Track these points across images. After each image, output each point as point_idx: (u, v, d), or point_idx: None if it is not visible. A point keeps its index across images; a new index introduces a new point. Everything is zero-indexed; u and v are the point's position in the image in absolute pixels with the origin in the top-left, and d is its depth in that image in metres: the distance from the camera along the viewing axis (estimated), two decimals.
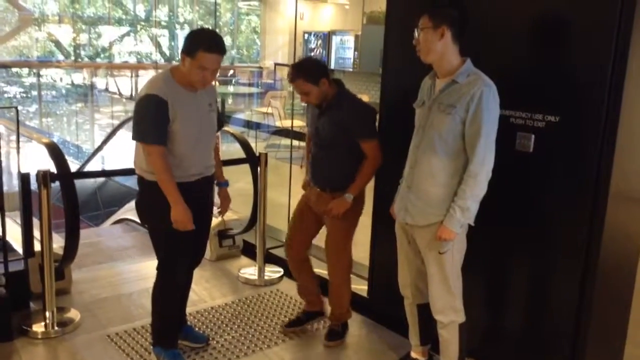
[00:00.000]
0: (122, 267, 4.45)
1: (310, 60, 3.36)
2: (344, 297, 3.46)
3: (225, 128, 4.92)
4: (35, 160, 3.43)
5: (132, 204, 5.90)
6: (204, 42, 2.72)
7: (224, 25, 20.15)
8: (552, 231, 2.87)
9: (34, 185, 3.27)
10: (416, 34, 2.66)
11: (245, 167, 4.45)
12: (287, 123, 7.99)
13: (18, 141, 3.43)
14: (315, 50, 17.79)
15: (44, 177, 3.23)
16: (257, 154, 4.15)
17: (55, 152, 3.41)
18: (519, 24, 2.86)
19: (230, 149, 5.23)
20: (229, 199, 3.32)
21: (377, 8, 12.97)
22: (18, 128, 3.41)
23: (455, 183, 2.63)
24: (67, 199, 3.32)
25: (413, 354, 3.15)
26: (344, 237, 3.35)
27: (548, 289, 2.95)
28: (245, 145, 4.22)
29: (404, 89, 3.34)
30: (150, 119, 2.73)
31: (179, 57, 2.78)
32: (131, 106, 13.46)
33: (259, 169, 4.18)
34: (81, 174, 3.85)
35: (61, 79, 14.86)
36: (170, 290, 3.03)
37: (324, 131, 3.21)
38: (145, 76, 14.48)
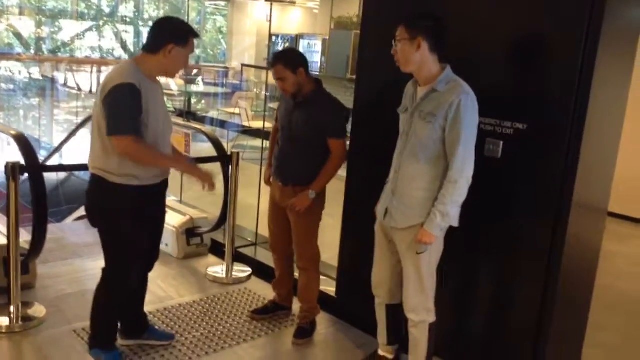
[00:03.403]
0: (86, 263, 4.39)
1: (292, 49, 3.47)
2: (312, 291, 3.52)
3: (197, 126, 4.92)
4: None
5: None
6: (191, 29, 2.78)
7: (190, 23, 19.97)
8: (517, 235, 2.98)
9: None
10: (394, 44, 2.72)
11: (215, 166, 4.45)
12: (254, 124, 7.99)
13: None
14: None
15: (13, 169, 3.18)
16: (229, 153, 4.16)
17: (24, 144, 3.36)
18: (491, 36, 2.96)
19: (197, 148, 5.20)
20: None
21: (345, 13, 13.09)
22: None
23: (436, 188, 2.70)
24: (35, 191, 3.27)
25: (381, 352, 3.22)
26: (308, 232, 3.42)
27: (512, 292, 3.05)
28: (216, 144, 4.23)
29: (377, 94, 3.44)
30: (128, 109, 2.65)
31: (154, 50, 2.74)
32: (90, 102, 13.29)
33: (229, 168, 4.18)
34: (51, 167, 3.79)
35: (19, 72, 14.49)
36: (119, 293, 2.99)
37: (297, 125, 3.28)
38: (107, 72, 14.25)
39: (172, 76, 2.85)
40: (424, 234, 2.69)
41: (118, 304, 3.02)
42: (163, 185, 2.99)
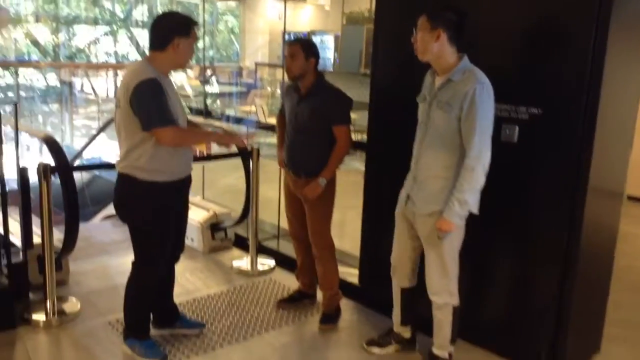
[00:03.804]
0: (115, 260, 4.53)
1: (311, 41, 3.54)
2: (332, 278, 3.62)
3: (217, 123, 5.04)
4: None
5: None
6: (191, 19, 2.90)
7: (203, 24, 20.14)
8: (535, 219, 3.05)
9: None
10: (414, 33, 2.81)
11: (233, 164, 4.57)
12: (271, 120, 8.11)
13: (17, 136, 3.50)
14: None
15: (45, 170, 3.31)
16: (250, 149, 4.26)
17: (53, 145, 3.49)
18: (507, 24, 3.03)
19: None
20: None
21: (357, 9, 13.13)
22: (17, 123, 3.48)
23: (453, 176, 2.77)
24: (66, 190, 3.40)
25: (396, 329, 3.33)
26: (322, 219, 3.52)
27: (531, 274, 3.12)
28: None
29: (392, 86, 3.52)
30: (158, 101, 2.76)
31: (162, 47, 2.84)
32: (107, 106, 13.47)
33: (251, 162, 4.28)
34: (79, 167, 3.92)
35: (37, 80, 14.75)
36: (149, 285, 3.12)
37: (303, 117, 3.39)
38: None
39: (183, 67, 2.97)
40: (443, 222, 2.76)
41: (149, 294, 3.14)
42: (187, 181, 3.11)
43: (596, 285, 3.23)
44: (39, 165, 3.30)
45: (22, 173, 3.42)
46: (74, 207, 3.43)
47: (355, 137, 3.72)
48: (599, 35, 2.72)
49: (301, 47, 3.35)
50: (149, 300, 3.16)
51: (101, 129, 5.64)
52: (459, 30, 2.74)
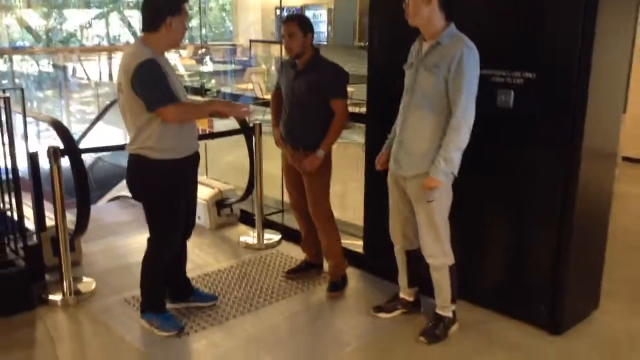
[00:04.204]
0: (125, 240, 4.64)
1: (306, 16, 3.59)
2: (335, 247, 3.74)
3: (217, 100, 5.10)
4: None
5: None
6: None
7: (193, 4, 20.01)
8: (532, 181, 3.15)
9: None
10: None
11: (235, 141, 4.64)
12: (269, 97, 8.17)
13: (25, 122, 3.57)
14: None
15: (55, 153, 3.39)
16: (251, 125, 4.34)
17: (61, 129, 3.58)
18: None
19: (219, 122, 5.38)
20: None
21: None
22: (24, 109, 3.55)
23: (439, 137, 2.89)
24: (76, 172, 3.49)
25: (401, 295, 3.45)
26: (321, 191, 3.63)
27: (529, 235, 3.24)
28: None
29: (389, 58, 3.58)
30: (159, 81, 2.83)
31: (155, 28, 2.89)
32: (101, 90, 13.41)
33: (253, 139, 4.37)
34: (88, 149, 4.01)
35: (31, 65, 14.69)
36: (164, 259, 3.23)
37: (300, 91, 3.48)
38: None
39: (178, 46, 3.04)
40: (430, 180, 2.89)
41: (164, 269, 3.25)
42: (196, 158, 3.20)
43: (592, 244, 3.34)
44: (49, 148, 3.39)
45: (33, 158, 3.50)
46: (84, 188, 3.52)
47: (352, 109, 3.80)
48: (591, 1, 2.79)
49: (298, 25, 3.42)
50: (163, 274, 3.27)
51: (101, 114, 5.69)
52: None
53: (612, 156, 3.32)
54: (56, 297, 3.57)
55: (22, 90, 3.49)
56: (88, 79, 14.43)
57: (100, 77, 14.56)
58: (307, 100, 3.48)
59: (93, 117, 11.41)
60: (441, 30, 2.87)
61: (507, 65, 3.09)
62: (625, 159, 6.38)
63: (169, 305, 3.38)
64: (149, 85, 2.83)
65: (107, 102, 6.12)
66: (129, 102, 2.91)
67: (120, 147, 3.38)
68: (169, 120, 2.88)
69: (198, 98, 5.96)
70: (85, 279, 3.82)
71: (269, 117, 3.95)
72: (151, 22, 2.91)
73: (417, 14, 2.87)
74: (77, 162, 3.47)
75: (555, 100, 2.98)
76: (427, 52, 2.90)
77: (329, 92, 3.46)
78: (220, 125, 4.93)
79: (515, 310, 3.35)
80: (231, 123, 4.62)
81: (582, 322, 3.35)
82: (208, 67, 15.22)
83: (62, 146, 3.45)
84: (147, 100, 2.85)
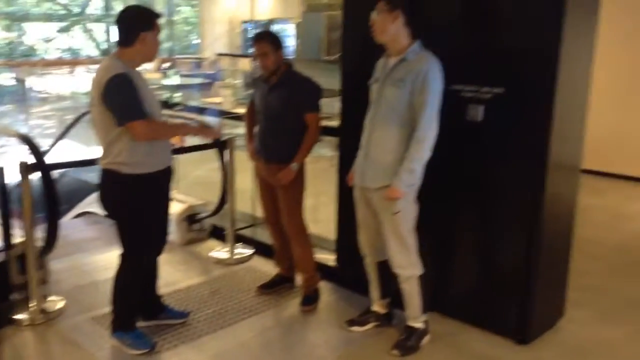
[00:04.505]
0: (93, 256, 4.57)
1: (275, 33, 3.63)
2: (308, 260, 3.76)
3: (190, 115, 5.10)
4: None
5: (92, 197, 6.00)
6: (153, 11, 2.98)
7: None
8: (501, 193, 3.23)
9: None
10: (373, 16, 3.00)
11: (204, 155, 4.62)
12: (238, 110, 8.16)
13: None
14: None
15: (26, 169, 3.34)
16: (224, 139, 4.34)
17: (31, 144, 3.52)
18: (468, 10, 3.21)
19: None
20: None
21: None
22: None
23: (404, 149, 2.97)
24: (47, 188, 3.43)
25: (374, 307, 3.49)
26: (294, 204, 3.66)
27: (498, 247, 3.31)
28: None
29: (362, 72, 3.62)
30: (129, 96, 2.83)
31: (129, 43, 2.91)
32: (60, 104, 13.16)
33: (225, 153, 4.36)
34: (59, 165, 3.95)
35: None
36: (137, 275, 3.21)
37: (273, 105, 3.51)
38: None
39: (152, 60, 3.06)
40: (391, 190, 2.97)
41: (136, 286, 3.22)
42: (169, 172, 3.19)
43: (559, 254, 3.43)
44: (21, 164, 3.32)
45: None
46: (54, 205, 3.47)
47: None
48: (555, 16, 2.89)
49: (269, 43, 3.45)
50: (135, 291, 3.23)
51: (69, 127, 5.60)
52: (413, 14, 2.96)
53: (576, 169, 3.42)
54: (23, 316, 3.49)
55: None
56: (47, 92, 14.20)
57: (60, 91, 14.35)
58: (281, 114, 3.51)
59: (53, 131, 11.20)
60: (407, 46, 2.97)
61: (477, 81, 3.18)
62: (584, 171, 6.56)
63: (139, 323, 3.33)
64: (119, 99, 2.83)
65: (73, 117, 6.01)
66: (100, 115, 2.89)
67: (92, 162, 3.34)
68: (137, 136, 2.87)
69: (167, 111, 5.93)
70: (53, 297, 3.74)
71: (238, 130, 3.96)
72: (125, 37, 2.93)
73: (383, 31, 2.97)
74: (47, 178, 3.41)
75: (523, 114, 3.07)
76: (394, 67, 2.99)
77: (303, 106, 3.49)
78: (192, 139, 4.91)
79: (484, 321, 3.41)
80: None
81: (549, 332, 3.43)
82: (174, 80, 15.13)
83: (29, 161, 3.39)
84: (117, 114, 2.84)
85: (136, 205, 3.02)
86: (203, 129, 3.24)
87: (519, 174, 3.14)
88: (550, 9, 2.91)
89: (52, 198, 3.46)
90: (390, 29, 2.95)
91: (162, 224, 3.27)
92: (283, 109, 3.50)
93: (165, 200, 3.25)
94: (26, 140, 3.50)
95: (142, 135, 2.87)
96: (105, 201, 3.09)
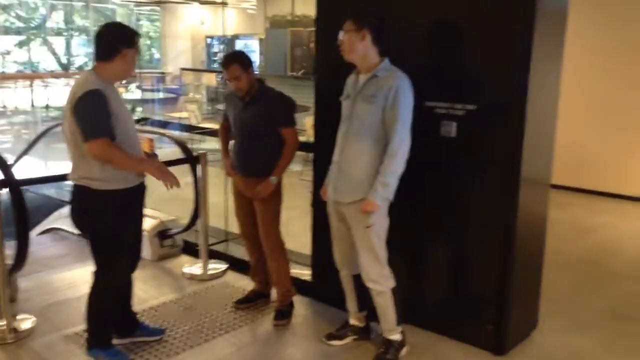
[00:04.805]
0: (61, 274, 4.47)
1: (241, 51, 3.72)
2: (284, 275, 3.76)
3: (161, 130, 5.06)
4: None
5: (58, 213, 5.88)
6: (134, 30, 3.00)
7: None
8: (475, 207, 3.30)
9: None
10: (341, 35, 3.06)
11: (174, 170, 4.57)
12: (205, 125, 8.15)
13: None
14: (218, 54, 17.82)
15: None
16: (196, 155, 4.32)
17: (1, 161, 3.44)
18: (440, 30, 3.29)
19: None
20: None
21: (280, 12, 13.27)
22: None
23: (377, 164, 3.02)
24: (17, 204, 3.36)
25: (351, 321, 3.50)
26: (272, 218, 3.67)
27: (471, 260, 3.38)
28: (183, 146, 4.38)
29: (336, 87, 3.67)
30: (97, 113, 2.80)
31: (108, 57, 2.90)
32: (16, 119, 12.85)
33: (198, 168, 4.34)
34: (29, 181, 3.86)
35: None
36: (111, 292, 3.17)
37: (249, 121, 3.54)
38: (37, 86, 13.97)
39: (127, 77, 3.05)
40: (367, 203, 3.01)
41: (111, 302, 3.17)
42: (142, 188, 3.16)
43: (532, 266, 3.52)
44: None
45: None
46: (24, 222, 3.39)
47: None
48: (525, 35, 2.99)
49: (240, 66, 3.47)
50: (110, 307, 3.18)
51: (34, 141, 5.50)
52: (380, 32, 3.02)
53: (547, 183, 3.53)
54: None
55: None
56: (4, 106, 13.88)
57: (17, 105, 14.05)
58: (257, 130, 3.53)
59: (8, 146, 10.89)
60: (376, 64, 3.04)
61: (450, 98, 3.25)
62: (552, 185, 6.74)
63: (115, 341, 3.27)
64: (86, 115, 2.81)
65: (29, 131, 5.90)
66: (71, 129, 2.87)
67: (63, 178, 3.28)
68: (92, 154, 2.82)
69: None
70: (22, 315, 3.64)
71: (207, 145, 3.95)
72: (105, 52, 2.92)
73: (352, 50, 3.03)
74: (17, 194, 3.34)
75: (496, 130, 3.16)
76: (364, 84, 3.05)
77: (279, 121, 3.52)
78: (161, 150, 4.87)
79: (460, 332, 3.46)
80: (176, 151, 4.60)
81: (524, 342, 3.50)
82: (136, 94, 14.96)
83: None
84: (82, 129, 2.82)
85: (108, 222, 2.98)
86: (164, 173, 3.02)
87: (492, 188, 3.22)
88: (519, 26, 3.01)
89: (22, 214, 3.39)
90: (359, 47, 3.01)
91: (135, 240, 3.24)
92: (259, 125, 3.52)
93: (138, 216, 3.22)
94: None
95: (96, 154, 2.82)
96: (76, 217, 3.04)
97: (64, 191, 6.79)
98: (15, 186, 3.37)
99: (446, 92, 3.27)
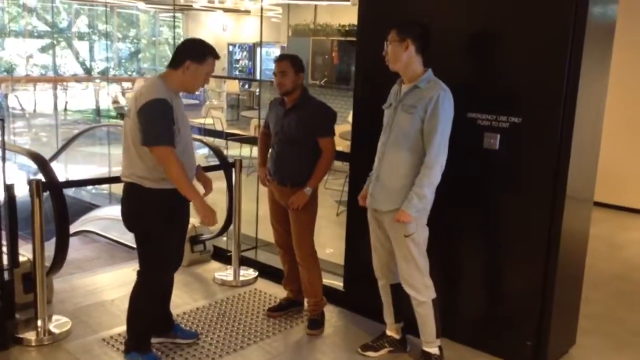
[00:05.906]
0: (93, 276, 4.49)
1: (298, 56, 3.65)
2: (315, 284, 3.74)
3: (197, 137, 5.08)
4: None
5: (87, 216, 5.92)
6: (213, 50, 3.02)
7: (143, 37, 19.93)
8: (518, 221, 3.27)
9: None
10: (385, 46, 3.06)
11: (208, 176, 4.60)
12: (230, 130, 8.21)
13: (4, 153, 3.45)
14: (240, 61, 17.92)
15: (37, 187, 3.28)
16: (232, 161, 4.33)
17: (43, 163, 3.47)
18: (486, 41, 3.28)
19: None
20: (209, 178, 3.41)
21: (302, 21, 13.34)
22: (3, 141, 3.43)
23: (414, 174, 3.02)
24: (57, 207, 3.38)
25: (388, 332, 3.48)
26: (306, 227, 3.66)
27: (510, 274, 3.34)
28: (218, 153, 4.39)
29: (374, 97, 3.68)
30: (163, 121, 2.86)
31: (175, 66, 2.96)
32: (34, 121, 12.92)
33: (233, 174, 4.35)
34: (71, 183, 3.88)
35: None
36: (156, 294, 3.19)
37: (289, 129, 3.53)
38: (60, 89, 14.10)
39: (192, 91, 3.06)
40: (401, 214, 3.00)
41: (154, 305, 3.18)
42: None
43: (572, 282, 3.48)
44: (32, 182, 3.28)
45: (9, 190, 3.37)
46: (64, 224, 3.41)
47: None
48: (575, 49, 2.97)
49: (291, 63, 3.50)
50: (154, 310, 3.19)
51: (69, 142, 5.55)
52: (425, 41, 3.03)
53: (590, 199, 3.49)
54: (30, 336, 3.40)
55: (2, 120, 3.37)
56: (22, 109, 14.02)
57: (35, 108, 14.19)
58: (296, 138, 3.53)
59: (26, 147, 10.95)
60: (420, 74, 3.04)
61: (494, 110, 3.23)
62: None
63: None
64: (151, 122, 2.85)
65: (47, 134, 5.96)
66: (132, 129, 2.93)
67: (108, 180, 3.29)
68: (156, 158, 2.88)
69: None
70: (58, 317, 3.66)
71: (231, 152, 3.94)
72: (175, 61, 2.99)
73: (396, 59, 3.04)
74: (58, 197, 3.36)
75: (541, 144, 3.13)
76: (406, 94, 3.05)
77: (318, 130, 3.52)
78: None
79: (497, 347, 3.42)
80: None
81: (562, 359, 3.45)
82: None
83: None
84: (144, 135, 2.86)
85: (159, 220, 3.00)
86: (207, 214, 3.00)
87: (535, 202, 3.18)
88: (569, 40, 2.98)
89: (63, 217, 3.41)
90: (402, 57, 3.02)
91: (180, 241, 3.25)
92: (298, 132, 3.52)
93: (185, 217, 3.23)
94: (37, 158, 3.45)
95: (161, 159, 2.88)
96: (126, 215, 3.08)
97: (90, 194, 6.88)
98: (57, 188, 3.39)
99: (490, 104, 3.25)
